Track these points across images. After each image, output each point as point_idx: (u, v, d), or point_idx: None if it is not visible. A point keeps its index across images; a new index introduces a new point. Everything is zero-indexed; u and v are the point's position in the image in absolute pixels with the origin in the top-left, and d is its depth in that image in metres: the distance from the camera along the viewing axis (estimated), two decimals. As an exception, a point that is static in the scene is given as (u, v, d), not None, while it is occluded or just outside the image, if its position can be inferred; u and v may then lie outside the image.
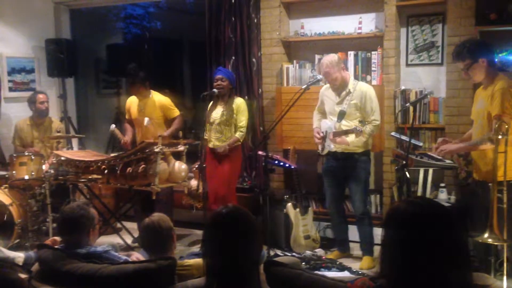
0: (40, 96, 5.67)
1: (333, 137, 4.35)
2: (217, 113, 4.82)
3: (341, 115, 4.36)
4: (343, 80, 4.39)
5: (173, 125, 5.18)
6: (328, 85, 4.55)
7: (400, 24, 4.86)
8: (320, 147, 4.57)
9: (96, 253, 2.76)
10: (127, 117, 5.42)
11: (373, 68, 4.85)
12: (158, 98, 5.23)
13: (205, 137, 4.90)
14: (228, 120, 4.77)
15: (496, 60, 4.06)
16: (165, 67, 7.98)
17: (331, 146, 4.45)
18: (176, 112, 5.24)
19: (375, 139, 4.59)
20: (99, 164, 4.63)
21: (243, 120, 4.78)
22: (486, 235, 3.26)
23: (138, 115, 5.25)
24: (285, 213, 4.92)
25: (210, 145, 4.87)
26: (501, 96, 3.45)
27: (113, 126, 5.30)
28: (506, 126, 3.30)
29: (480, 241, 3.33)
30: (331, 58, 4.37)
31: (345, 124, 4.34)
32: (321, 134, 4.52)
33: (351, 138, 4.28)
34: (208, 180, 4.85)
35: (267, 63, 5.38)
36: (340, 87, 4.41)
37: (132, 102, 5.31)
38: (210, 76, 5.55)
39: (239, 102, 4.81)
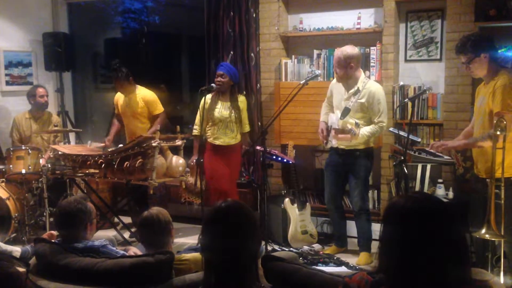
0: (40, 89, 5.67)
1: (334, 133, 4.34)
2: (224, 111, 4.78)
3: (345, 112, 4.32)
4: (351, 77, 4.31)
5: (154, 124, 5.17)
6: None
7: (399, 20, 4.85)
8: (324, 141, 4.57)
9: (93, 247, 2.76)
10: (116, 111, 5.46)
11: (371, 64, 4.84)
12: (143, 93, 5.25)
13: (195, 133, 4.87)
14: (238, 118, 4.81)
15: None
16: (163, 62, 7.95)
17: (333, 142, 4.44)
18: (158, 110, 5.24)
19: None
20: (96, 158, 4.62)
21: (246, 117, 4.93)
22: (483, 230, 3.26)
23: (124, 110, 5.28)
24: (283, 208, 4.93)
25: (218, 142, 4.83)
26: (502, 93, 3.44)
27: (89, 142, 5.42)
28: (505, 123, 3.30)
29: (477, 236, 3.34)
30: (342, 50, 4.28)
31: (349, 121, 4.32)
32: (325, 133, 4.50)
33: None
34: (209, 176, 4.85)
35: (266, 58, 5.37)
36: (349, 83, 4.35)
37: (119, 96, 5.37)
38: (208, 71, 5.54)
39: (244, 100, 4.91)
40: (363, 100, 4.28)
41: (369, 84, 4.32)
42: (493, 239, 3.35)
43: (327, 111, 4.61)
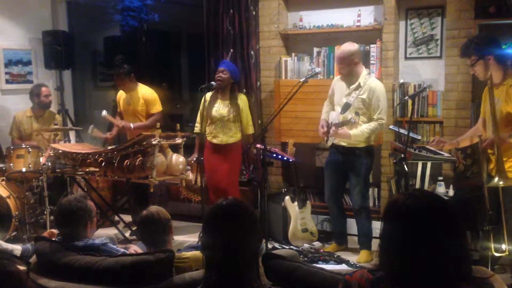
0: (44, 89, 5.70)
1: (335, 129, 4.34)
2: (222, 109, 4.76)
3: (346, 107, 4.33)
4: (353, 73, 4.33)
5: (147, 121, 5.18)
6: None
7: (399, 17, 4.84)
8: (325, 138, 4.56)
9: (94, 245, 2.76)
10: (118, 109, 5.45)
11: (371, 61, 4.84)
12: (144, 91, 5.25)
13: (197, 131, 4.87)
14: (236, 117, 4.76)
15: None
16: (163, 60, 7.94)
17: (333, 138, 4.44)
18: (156, 109, 5.24)
19: (374, 132, 4.58)
20: (96, 156, 4.62)
21: (249, 115, 4.86)
22: (496, 179, 3.25)
23: (125, 108, 5.28)
24: (283, 206, 4.92)
25: (216, 140, 4.82)
26: None
27: (104, 112, 5.32)
28: None
29: (492, 186, 3.31)
30: (343, 48, 4.32)
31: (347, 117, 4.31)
32: (325, 129, 4.49)
33: (354, 131, 4.26)
34: (208, 174, 4.84)
35: (266, 56, 5.36)
36: (350, 80, 4.36)
37: (122, 94, 5.37)
38: (208, 69, 5.53)
39: (244, 99, 4.85)
40: (363, 96, 4.28)
41: (370, 81, 4.32)
42: (508, 184, 3.29)
43: (328, 109, 4.61)
